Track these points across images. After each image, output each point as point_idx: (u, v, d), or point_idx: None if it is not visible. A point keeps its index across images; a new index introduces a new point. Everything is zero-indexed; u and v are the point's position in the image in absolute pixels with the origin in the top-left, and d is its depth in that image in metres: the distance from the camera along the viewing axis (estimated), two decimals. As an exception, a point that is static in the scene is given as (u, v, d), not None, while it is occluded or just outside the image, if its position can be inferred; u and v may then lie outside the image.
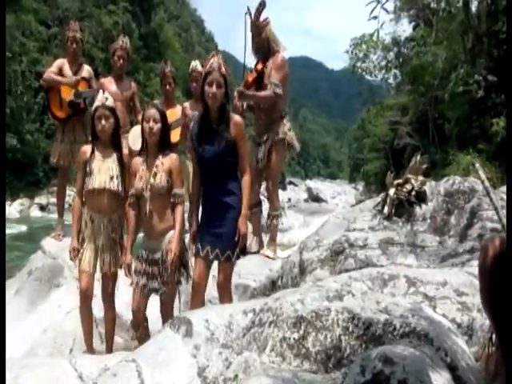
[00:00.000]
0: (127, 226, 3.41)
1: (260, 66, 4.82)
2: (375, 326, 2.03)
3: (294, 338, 1.98)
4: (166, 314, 3.40)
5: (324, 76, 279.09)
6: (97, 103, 3.44)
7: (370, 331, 2.02)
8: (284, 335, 2.00)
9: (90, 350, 3.55)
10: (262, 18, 4.79)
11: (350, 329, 2.02)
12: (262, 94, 4.75)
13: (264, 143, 4.92)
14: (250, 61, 5.03)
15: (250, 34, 4.88)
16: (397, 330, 2.03)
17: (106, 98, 3.45)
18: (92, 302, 3.53)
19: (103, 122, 3.40)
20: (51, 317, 4.18)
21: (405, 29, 23.41)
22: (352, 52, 24.04)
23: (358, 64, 24.04)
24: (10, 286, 4.70)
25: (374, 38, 19.51)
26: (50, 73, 5.11)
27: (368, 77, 25.23)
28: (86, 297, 3.47)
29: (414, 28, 20.89)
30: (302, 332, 1.99)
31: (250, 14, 4.81)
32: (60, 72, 5.13)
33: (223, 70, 3.21)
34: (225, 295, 3.34)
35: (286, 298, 2.14)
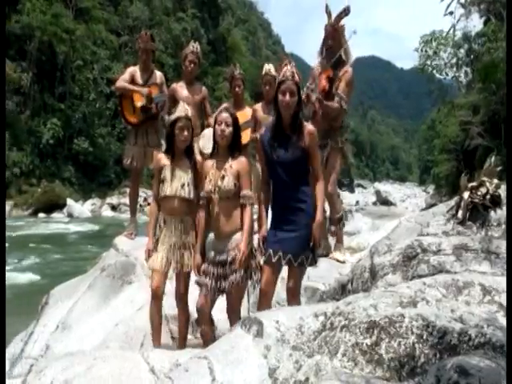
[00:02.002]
0: (197, 227, 3.48)
1: (330, 74, 4.82)
2: (450, 335, 1.98)
3: (366, 344, 1.96)
4: (234, 314, 3.42)
5: (393, 76, 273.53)
6: (179, 114, 3.51)
7: (444, 340, 1.97)
8: (356, 340, 1.97)
9: (157, 346, 3.61)
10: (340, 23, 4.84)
11: (425, 337, 1.98)
12: (334, 105, 4.79)
13: (324, 148, 4.93)
14: (314, 59, 5.09)
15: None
16: (472, 340, 1.97)
17: (187, 110, 3.53)
18: (163, 300, 3.61)
19: (185, 133, 3.48)
20: (123, 312, 4.29)
21: (475, 24, 22.47)
22: (422, 50, 23.34)
23: (428, 62, 23.29)
24: (83, 282, 4.89)
25: (450, 34, 18.82)
26: (123, 80, 5.29)
27: (438, 75, 24.41)
28: (156, 295, 3.56)
29: (485, 23, 19.98)
30: (374, 338, 1.96)
31: (330, 14, 4.82)
32: (132, 79, 5.29)
33: (296, 78, 3.21)
34: (293, 300, 3.32)
35: (359, 303, 2.12)
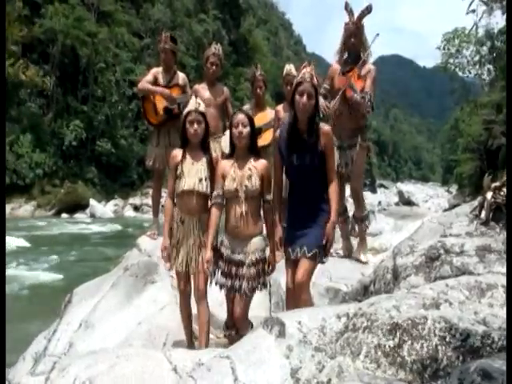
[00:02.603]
0: (209, 224, 3.44)
1: (356, 73, 4.80)
2: (473, 338, 1.96)
3: (389, 346, 1.95)
4: (242, 313, 3.41)
5: (416, 74, 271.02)
6: (189, 108, 3.55)
7: (467, 343, 1.96)
8: (379, 342, 1.97)
9: (190, 344, 3.66)
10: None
11: (447, 339, 1.96)
12: (366, 104, 4.78)
13: (351, 148, 4.92)
14: (330, 56, 5.10)
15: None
16: (495, 342, 1.96)
17: (199, 104, 3.55)
18: (190, 299, 3.65)
19: (195, 126, 3.50)
20: (146, 311, 4.31)
21: (498, 21, 22.01)
22: (444, 48, 23.03)
23: (451, 60, 22.97)
24: (106, 281, 4.93)
25: (472, 33, 18.53)
26: (145, 82, 5.33)
27: (461, 73, 24.05)
28: (184, 296, 3.62)
29: (508, 19, 19.54)
30: (397, 340, 1.95)
31: (351, 12, 4.81)
32: (155, 80, 5.34)
33: (315, 81, 3.21)
34: (302, 296, 3.23)
35: (381, 304, 2.11)
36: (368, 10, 4.78)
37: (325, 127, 3.29)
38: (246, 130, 3.33)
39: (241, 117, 3.36)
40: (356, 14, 4.83)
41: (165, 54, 5.38)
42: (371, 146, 5.20)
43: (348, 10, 4.86)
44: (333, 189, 3.28)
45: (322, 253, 3.24)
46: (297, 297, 3.28)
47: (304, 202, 3.29)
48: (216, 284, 3.47)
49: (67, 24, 35.45)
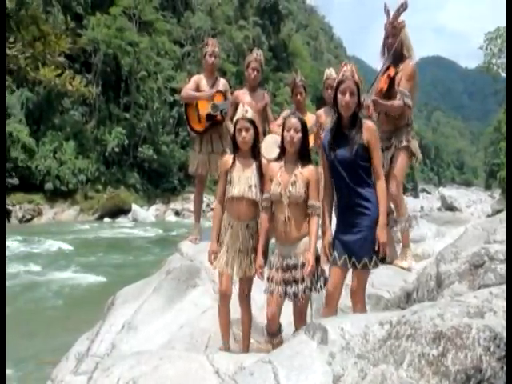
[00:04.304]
0: (260, 229, 3.49)
1: (392, 72, 4.74)
2: (517, 348, 1.91)
3: (433, 355, 1.91)
4: (300, 319, 3.42)
5: (458, 76, 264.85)
6: (238, 116, 3.59)
7: (512, 353, 1.91)
8: (423, 350, 1.93)
9: (227, 348, 3.68)
10: (399, 19, 4.71)
11: (492, 349, 1.91)
12: (394, 103, 4.67)
13: (388, 149, 4.84)
14: (377, 62, 5.01)
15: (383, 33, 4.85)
16: (541, 353, 1.89)
17: (247, 111, 3.58)
18: (230, 302, 3.65)
19: (244, 133, 3.53)
20: (188, 315, 4.35)
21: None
22: (486, 48, 22.32)
23: (493, 60, 22.25)
24: (149, 284, 5.01)
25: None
26: (188, 89, 5.42)
27: (504, 74, 23.30)
28: (225, 298, 3.63)
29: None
30: (441, 349, 1.91)
31: (388, 13, 4.75)
32: (197, 87, 5.42)
33: (356, 78, 3.18)
34: (358, 303, 3.28)
35: (425, 312, 2.07)
36: (403, 7, 4.65)
37: (368, 122, 3.26)
38: (298, 136, 3.33)
39: (294, 121, 3.35)
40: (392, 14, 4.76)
41: (214, 57, 5.45)
42: (413, 148, 4.89)
43: (386, 11, 4.80)
44: (380, 187, 3.21)
45: (374, 258, 3.19)
46: (352, 307, 3.33)
47: (349, 203, 3.23)
48: (270, 292, 3.43)
49: (109, 34, 36.42)
